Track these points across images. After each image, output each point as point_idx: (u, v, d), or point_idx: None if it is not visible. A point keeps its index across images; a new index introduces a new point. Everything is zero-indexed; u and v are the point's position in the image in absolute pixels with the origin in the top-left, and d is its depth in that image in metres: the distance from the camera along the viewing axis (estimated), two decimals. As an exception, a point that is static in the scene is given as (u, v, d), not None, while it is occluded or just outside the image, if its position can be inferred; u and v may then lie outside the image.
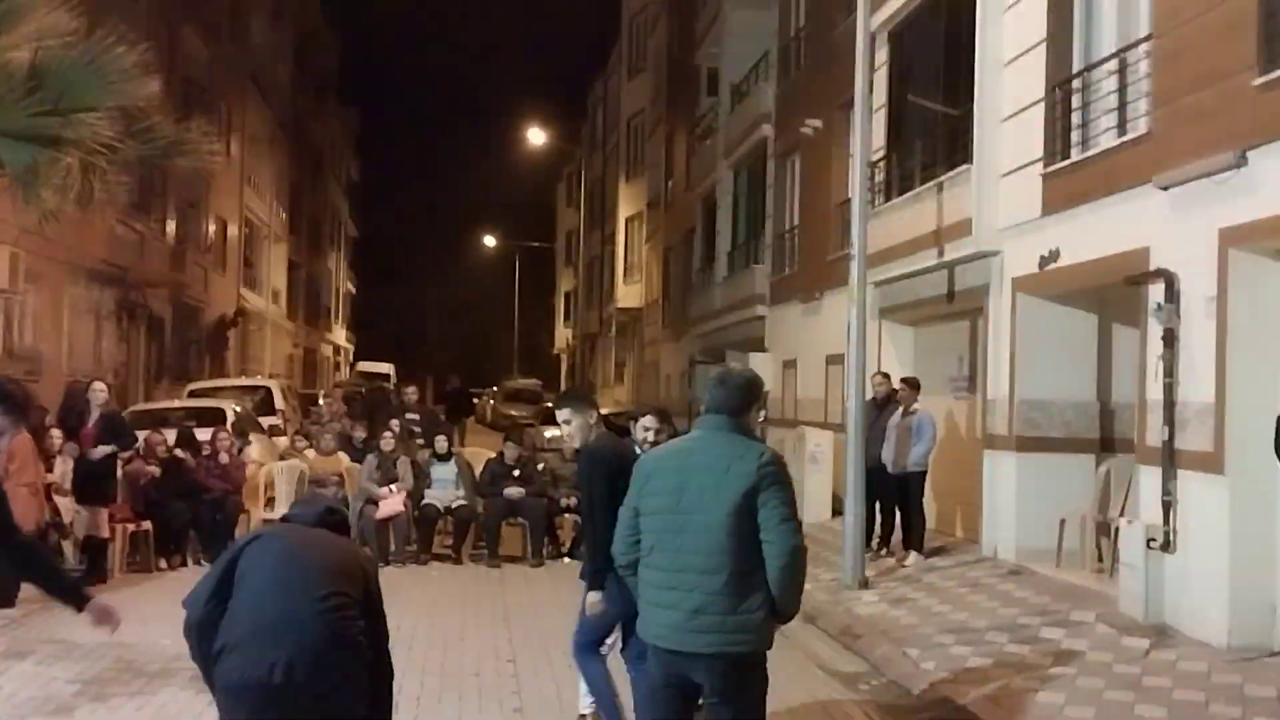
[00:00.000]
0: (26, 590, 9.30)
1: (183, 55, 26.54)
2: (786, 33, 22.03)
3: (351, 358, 67.15)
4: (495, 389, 50.01)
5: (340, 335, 66.46)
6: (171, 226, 26.71)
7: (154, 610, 8.36)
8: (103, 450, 11.65)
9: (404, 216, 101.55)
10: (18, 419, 4.14)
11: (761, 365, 21.46)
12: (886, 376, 13.42)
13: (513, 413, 42.01)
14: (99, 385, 12.04)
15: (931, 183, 13.70)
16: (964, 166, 12.86)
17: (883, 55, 15.39)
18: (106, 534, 11.68)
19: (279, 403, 21.84)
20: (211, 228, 31.84)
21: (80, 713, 7.15)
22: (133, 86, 11.14)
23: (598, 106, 51.16)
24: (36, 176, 10.54)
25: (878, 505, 12.72)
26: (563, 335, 63.71)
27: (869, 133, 12.62)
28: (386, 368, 52.76)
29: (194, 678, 5.04)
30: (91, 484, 11.58)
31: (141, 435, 13.34)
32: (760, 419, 4.62)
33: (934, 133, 14.32)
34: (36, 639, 8.93)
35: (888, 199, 15.19)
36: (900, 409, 12.70)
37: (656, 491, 4.50)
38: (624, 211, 42.04)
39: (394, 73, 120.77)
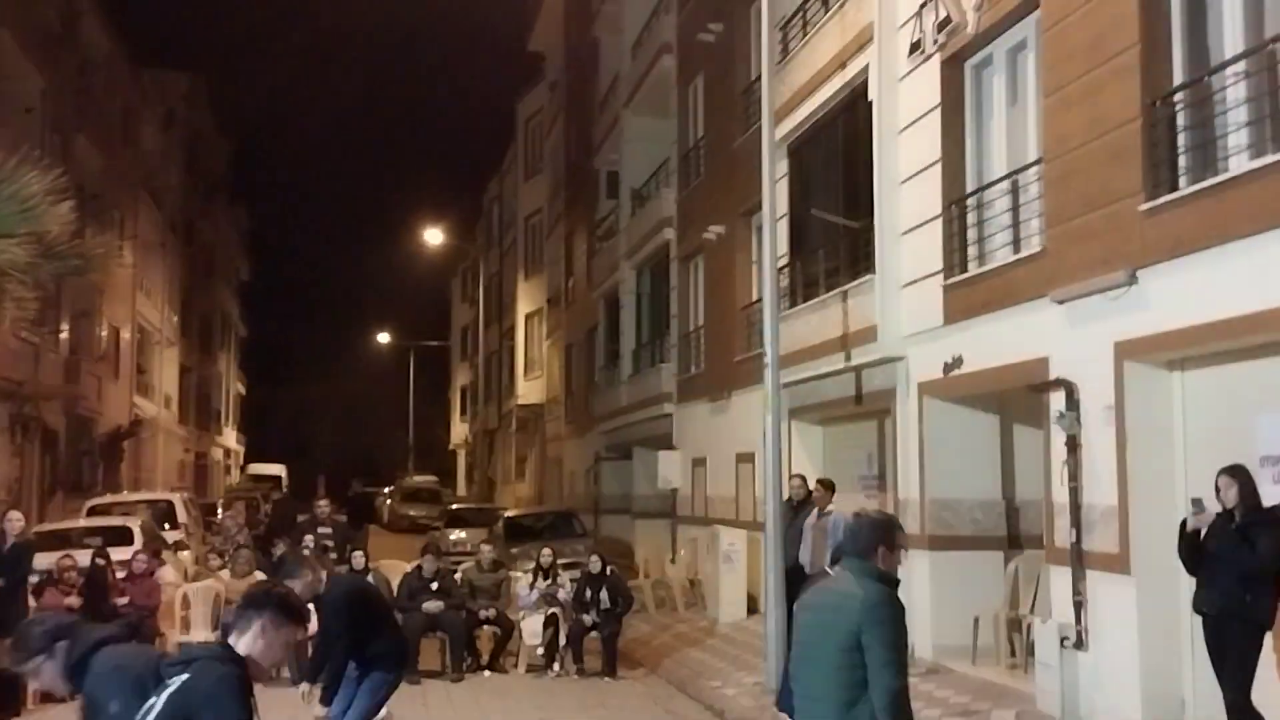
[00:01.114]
0: None
1: (76, 164, 26.26)
2: (685, 142, 22.60)
3: (242, 460, 65.68)
4: (391, 488, 49.32)
5: (231, 438, 65.07)
6: (65, 336, 26.20)
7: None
8: None
9: (294, 314, 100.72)
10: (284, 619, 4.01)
11: (671, 463, 21.67)
12: (804, 479, 13.74)
13: (412, 513, 41.27)
14: (15, 515, 11.79)
15: (836, 290, 14.21)
16: (867, 276, 13.38)
17: (783, 167, 15.99)
18: (17, 666, 11.34)
19: (181, 516, 21.41)
20: (104, 335, 31.27)
21: None
22: (46, 212, 11.20)
23: (494, 205, 51.38)
24: (-50, 302, 10.48)
25: (795, 606, 12.92)
26: (460, 431, 63.17)
27: (774, 243, 13.12)
28: (278, 469, 51.73)
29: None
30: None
31: (48, 558, 13.06)
32: (899, 557, 4.96)
33: (836, 242, 14.89)
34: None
35: (792, 304, 15.65)
36: (815, 510, 13.02)
37: (800, 626, 5.08)
38: (523, 308, 42.14)
39: (286, 171, 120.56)
